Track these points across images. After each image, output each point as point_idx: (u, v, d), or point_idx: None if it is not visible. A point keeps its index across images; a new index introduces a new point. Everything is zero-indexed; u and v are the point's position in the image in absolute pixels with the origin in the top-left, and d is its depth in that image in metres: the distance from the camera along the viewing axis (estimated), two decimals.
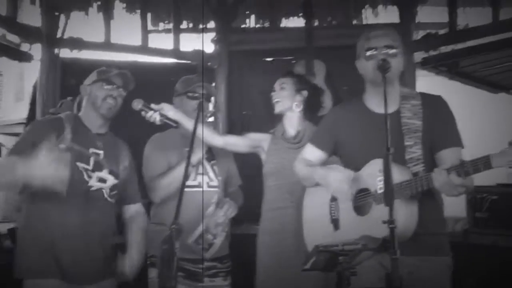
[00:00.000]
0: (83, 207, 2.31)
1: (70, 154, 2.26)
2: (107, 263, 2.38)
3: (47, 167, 2.00)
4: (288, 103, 2.77)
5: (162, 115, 2.55)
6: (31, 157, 2.00)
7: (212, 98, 3.06)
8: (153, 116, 2.55)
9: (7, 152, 2.31)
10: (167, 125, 2.58)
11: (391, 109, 2.11)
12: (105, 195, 2.40)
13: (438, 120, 2.08)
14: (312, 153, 2.34)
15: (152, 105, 2.57)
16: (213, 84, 4.30)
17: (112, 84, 2.42)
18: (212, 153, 2.81)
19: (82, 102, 2.49)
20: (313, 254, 1.69)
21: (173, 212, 1.83)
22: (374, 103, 2.15)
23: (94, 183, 2.35)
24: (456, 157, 1.92)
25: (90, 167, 2.35)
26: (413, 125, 2.08)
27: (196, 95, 2.79)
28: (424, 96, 2.16)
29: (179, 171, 2.60)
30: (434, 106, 2.12)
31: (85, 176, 2.33)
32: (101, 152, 2.40)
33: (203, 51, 4.36)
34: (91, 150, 2.38)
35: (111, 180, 2.41)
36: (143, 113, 2.56)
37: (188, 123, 2.57)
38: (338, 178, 2.10)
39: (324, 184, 2.19)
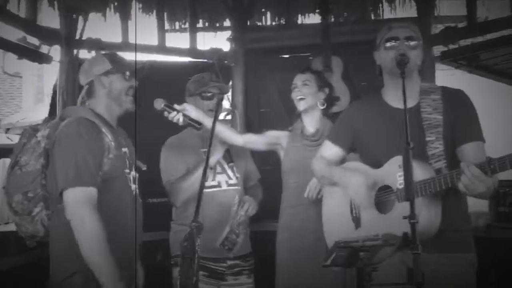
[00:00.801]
0: (130, 218, 2.19)
1: (117, 162, 2.16)
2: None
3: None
4: (313, 100, 2.74)
5: (185, 116, 2.53)
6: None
7: (227, 96, 3.05)
8: (176, 117, 2.53)
9: (70, 184, 2.02)
10: (189, 125, 2.55)
11: (411, 103, 2.08)
12: (138, 196, 2.30)
13: (459, 114, 2.05)
14: (329, 150, 2.31)
15: (175, 106, 2.54)
16: (230, 83, 4.32)
17: (132, 76, 2.30)
18: (229, 155, 2.80)
19: (94, 93, 2.28)
20: (334, 250, 1.68)
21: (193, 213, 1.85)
22: (392, 97, 2.13)
23: (133, 186, 2.25)
24: (478, 152, 1.89)
25: (128, 170, 2.25)
26: (434, 120, 2.05)
27: (209, 94, 2.79)
28: (445, 90, 2.13)
29: (198, 173, 2.59)
30: (455, 100, 2.09)
31: (129, 182, 2.23)
32: (126, 149, 2.29)
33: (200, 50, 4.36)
34: (122, 149, 2.25)
35: (137, 178, 2.31)
36: (165, 113, 2.53)
37: (210, 123, 2.55)
38: (357, 183, 2.08)
39: (342, 186, 2.18)
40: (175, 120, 2.54)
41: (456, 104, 2.07)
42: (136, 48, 4.07)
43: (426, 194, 1.86)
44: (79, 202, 2.00)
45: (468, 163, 1.74)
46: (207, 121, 2.55)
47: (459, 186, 1.77)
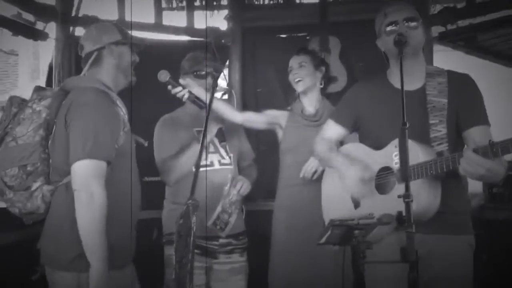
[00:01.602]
0: (133, 191, 2.12)
1: (128, 136, 2.09)
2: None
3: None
4: (310, 80, 2.74)
5: (191, 93, 2.50)
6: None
7: (224, 75, 3.02)
8: (182, 92, 2.50)
9: (88, 155, 1.93)
10: (194, 103, 2.52)
11: (416, 85, 2.10)
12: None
13: (465, 99, 2.04)
14: (332, 129, 2.32)
15: (180, 81, 2.52)
16: (227, 62, 4.29)
17: (138, 49, 2.25)
18: (222, 134, 2.77)
19: (101, 62, 2.18)
20: (328, 228, 1.70)
21: (188, 191, 1.85)
22: (397, 79, 2.12)
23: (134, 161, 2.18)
24: (483, 135, 1.89)
25: (134, 144, 2.18)
26: (439, 103, 2.04)
27: (203, 73, 2.74)
28: (451, 74, 2.12)
29: (191, 151, 2.60)
30: (461, 84, 2.08)
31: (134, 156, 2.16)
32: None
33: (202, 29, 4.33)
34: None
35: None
36: (169, 86, 2.50)
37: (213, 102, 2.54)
38: (353, 177, 2.09)
39: (340, 174, 2.18)
40: (179, 95, 2.51)
41: (462, 88, 2.07)
42: (132, 25, 4.04)
43: (426, 176, 1.87)
44: (91, 176, 1.91)
45: (466, 148, 1.74)
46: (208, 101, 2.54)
47: (459, 169, 1.77)
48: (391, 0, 2.16)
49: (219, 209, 2.58)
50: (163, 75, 2.48)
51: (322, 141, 2.34)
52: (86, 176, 1.91)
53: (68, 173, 1.97)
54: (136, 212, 2.16)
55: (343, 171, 2.16)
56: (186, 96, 2.50)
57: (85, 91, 2.05)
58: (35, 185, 2.04)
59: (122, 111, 2.09)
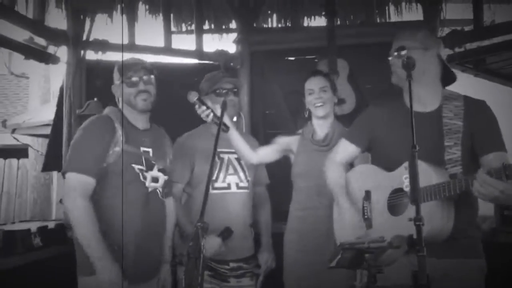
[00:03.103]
0: (143, 210, 2.30)
1: (125, 156, 2.25)
2: (160, 261, 2.44)
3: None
4: (331, 105, 2.75)
5: (215, 116, 2.47)
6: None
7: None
8: (206, 112, 2.48)
9: (68, 168, 2.22)
10: (217, 125, 2.46)
11: (432, 107, 2.11)
12: (159, 195, 2.40)
13: (481, 124, 2.05)
14: (346, 148, 2.32)
15: (209, 103, 2.52)
16: None
17: (136, 81, 2.37)
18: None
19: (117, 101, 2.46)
20: (339, 252, 1.69)
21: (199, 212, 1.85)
22: (412, 101, 2.13)
23: (149, 184, 2.34)
24: (501, 161, 1.89)
25: (144, 167, 2.33)
26: (454, 125, 2.05)
27: (224, 91, 2.75)
28: (467, 99, 2.13)
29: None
30: (477, 109, 2.08)
31: (141, 178, 2.31)
32: (150, 149, 2.38)
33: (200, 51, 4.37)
34: (142, 149, 2.35)
35: (162, 178, 2.39)
36: (196, 107, 2.49)
37: (233, 138, 2.60)
38: (346, 224, 2.15)
39: (339, 214, 2.23)
40: (203, 116, 2.49)
41: (478, 114, 2.07)
42: (123, 47, 4.12)
43: (439, 197, 1.86)
44: (72, 187, 2.17)
45: (480, 170, 1.74)
46: (232, 136, 2.59)
47: (473, 191, 1.77)
48: (402, 25, 2.18)
49: None
50: (192, 96, 2.47)
51: (335, 168, 2.33)
52: (69, 188, 2.18)
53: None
54: (145, 238, 2.32)
55: (344, 215, 2.21)
56: (211, 117, 2.49)
57: (91, 118, 2.36)
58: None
59: (119, 132, 2.28)
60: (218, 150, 2.65)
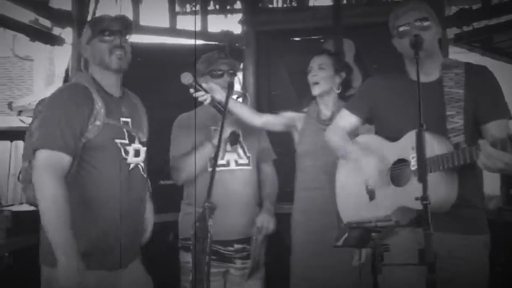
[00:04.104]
0: (127, 190, 2.10)
1: (105, 130, 2.07)
2: (140, 242, 2.31)
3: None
4: (328, 84, 2.71)
5: (213, 99, 2.43)
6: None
7: (238, 78, 2.99)
8: (204, 97, 2.43)
9: (40, 145, 1.97)
10: (215, 108, 2.47)
11: (432, 77, 2.10)
12: (141, 171, 2.21)
13: (483, 91, 2.03)
14: (346, 118, 2.31)
15: (203, 84, 2.46)
16: (241, 66, 4.30)
17: (112, 33, 2.16)
18: (235, 137, 2.72)
19: (87, 64, 2.24)
20: (345, 231, 1.70)
21: (202, 192, 1.85)
22: (414, 73, 2.10)
23: (131, 159, 2.14)
24: (503, 129, 1.88)
25: (126, 141, 2.13)
26: (456, 94, 2.03)
27: (220, 72, 2.74)
28: (468, 66, 2.11)
29: (202, 151, 2.60)
30: (479, 76, 2.07)
31: (123, 153, 2.11)
32: (129, 119, 2.19)
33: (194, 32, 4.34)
34: (121, 120, 2.15)
35: (143, 151, 2.21)
36: (191, 90, 2.43)
37: (231, 105, 2.53)
38: (372, 165, 2.10)
39: (355, 165, 2.18)
40: (201, 99, 2.44)
41: (480, 80, 2.05)
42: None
43: (443, 169, 1.85)
44: (43, 165, 1.92)
45: (484, 141, 1.73)
46: (230, 104, 2.51)
47: (477, 162, 1.75)
48: (406, 2, 2.15)
49: (251, 264, 2.63)
50: (187, 78, 2.39)
51: (335, 130, 2.33)
52: (39, 166, 1.94)
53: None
54: (127, 217, 2.11)
55: (359, 160, 2.15)
56: (208, 100, 2.44)
57: (62, 87, 2.16)
58: None
59: (98, 104, 2.06)
60: (215, 127, 2.66)
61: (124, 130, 2.14)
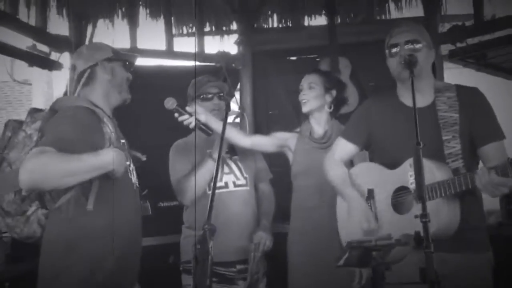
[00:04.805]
0: (135, 212, 2.11)
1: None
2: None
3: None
4: (317, 103, 2.73)
5: (198, 120, 2.46)
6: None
7: (235, 98, 3.01)
8: (188, 120, 2.46)
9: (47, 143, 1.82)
10: (200, 130, 2.48)
11: (426, 102, 2.10)
12: (138, 189, 2.18)
13: (476, 114, 2.04)
14: (343, 147, 2.31)
15: (187, 108, 2.48)
16: (238, 86, 4.33)
17: (131, 65, 2.22)
18: (233, 149, 2.73)
19: (94, 80, 2.14)
20: (346, 250, 1.69)
21: (202, 215, 1.85)
22: (406, 96, 2.12)
23: (134, 180, 2.14)
24: (499, 152, 1.89)
25: (128, 162, 2.09)
26: (450, 118, 2.04)
27: (209, 96, 2.77)
28: (460, 88, 2.12)
29: (204, 168, 2.61)
30: (470, 98, 2.08)
31: (129, 174, 2.10)
32: (124, 140, 2.17)
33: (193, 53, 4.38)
34: (121, 141, 2.12)
35: (134, 171, 2.17)
36: (176, 114, 2.47)
37: (218, 126, 2.49)
38: (361, 213, 2.12)
39: (348, 206, 2.20)
40: (186, 123, 2.48)
41: (472, 102, 2.07)
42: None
43: (444, 195, 1.86)
44: (34, 154, 1.77)
45: (483, 169, 1.74)
46: (216, 125, 2.50)
47: (480, 188, 1.78)
48: (401, 21, 2.18)
49: (248, 279, 2.60)
50: (170, 103, 2.45)
51: (335, 165, 2.31)
52: (28, 159, 1.76)
53: (60, 195, 1.93)
54: (134, 237, 2.10)
55: (352, 203, 2.17)
56: (193, 124, 2.47)
57: (67, 110, 2.00)
58: (30, 210, 2.02)
59: (109, 129, 2.03)
60: (209, 151, 2.67)
61: (126, 150, 2.13)
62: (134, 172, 2.18)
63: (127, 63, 2.23)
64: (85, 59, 2.16)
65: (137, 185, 2.19)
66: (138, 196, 2.19)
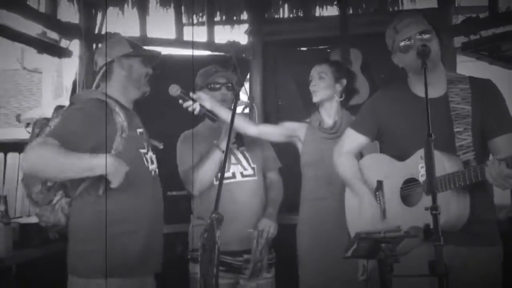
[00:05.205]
0: (153, 198, 2.23)
1: (132, 142, 2.17)
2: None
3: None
4: (327, 92, 2.71)
5: (202, 106, 2.48)
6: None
7: (245, 89, 2.98)
8: (192, 106, 2.48)
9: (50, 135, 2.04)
10: (205, 116, 2.52)
11: (438, 93, 2.06)
12: (158, 178, 2.32)
13: (489, 106, 2.01)
14: (353, 139, 2.28)
15: (191, 94, 2.49)
16: (248, 76, 4.31)
17: (149, 62, 2.32)
18: (241, 139, 2.73)
19: (111, 74, 2.27)
20: (354, 242, 1.67)
21: (210, 205, 1.84)
22: (419, 87, 2.08)
23: (151, 167, 2.26)
24: (510, 144, 1.86)
25: (145, 150, 2.25)
26: (463, 110, 2.01)
27: (217, 86, 2.77)
28: (473, 80, 2.09)
29: (212, 158, 2.62)
30: (483, 90, 2.05)
31: (145, 161, 2.23)
32: (142, 129, 2.31)
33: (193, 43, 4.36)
34: (138, 130, 2.27)
35: (154, 159, 2.32)
36: (180, 100, 2.49)
37: (223, 113, 2.52)
38: (369, 206, 2.11)
39: (359, 201, 2.19)
40: (190, 109, 2.49)
41: (485, 94, 2.04)
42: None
43: (454, 187, 1.84)
44: (37, 144, 1.96)
45: (493, 161, 1.71)
46: (222, 112, 2.52)
47: (490, 181, 1.75)
48: (404, 13, 2.14)
49: (251, 265, 2.60)
50: (174, 89, 2.47)
51: (345, 158, 2.29)
52: (30, 144, 1.98)
53: (80, 183, 2.10)
54: (155, 223, 2.25)
55: (361, 196, 2.17)
56: (197, 109, 2.48)
57: (81, 101, 2.18)
58: (56, 199, 2.17)
59: (121, 118, 2.15)
60: (216, 141, 2.67)
61: (142, 140, 2.26)
62: (155, 160, 2.32)
63: (148, 58, 2.32)
64: (103, 55, 2.27)
65: (156, 172, 2.30)
66: (158, 183, 2.32)
